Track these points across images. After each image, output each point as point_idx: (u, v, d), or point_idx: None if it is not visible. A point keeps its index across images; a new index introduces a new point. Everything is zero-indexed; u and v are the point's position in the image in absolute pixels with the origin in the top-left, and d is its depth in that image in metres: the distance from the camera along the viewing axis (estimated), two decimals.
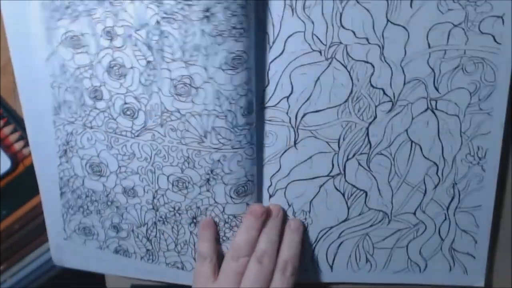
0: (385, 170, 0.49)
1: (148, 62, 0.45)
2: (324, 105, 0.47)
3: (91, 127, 0.49)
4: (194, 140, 0.46)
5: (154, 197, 0.50)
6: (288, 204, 0.50)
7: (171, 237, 0.51)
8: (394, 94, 0.47)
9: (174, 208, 0.50)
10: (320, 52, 0.46)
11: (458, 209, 0.50)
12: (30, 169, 0.55)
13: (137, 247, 0.53)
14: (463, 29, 0.45)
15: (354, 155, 0.48)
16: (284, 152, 0.49)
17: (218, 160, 0.47)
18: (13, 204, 0.60)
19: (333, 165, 0.49)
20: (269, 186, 0.50)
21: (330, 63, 0.46)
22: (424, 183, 0.49)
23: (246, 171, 0.47)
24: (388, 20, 0.45)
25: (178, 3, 0.42)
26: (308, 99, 0.47)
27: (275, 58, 0.46)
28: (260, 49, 0.46)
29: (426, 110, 0.47)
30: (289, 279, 0.48)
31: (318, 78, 0.47)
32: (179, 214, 0.50)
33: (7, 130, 0.58)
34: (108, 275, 0.58)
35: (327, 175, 0.49)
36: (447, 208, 0.50)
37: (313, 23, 0.45)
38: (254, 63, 0.45)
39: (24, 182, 0.59)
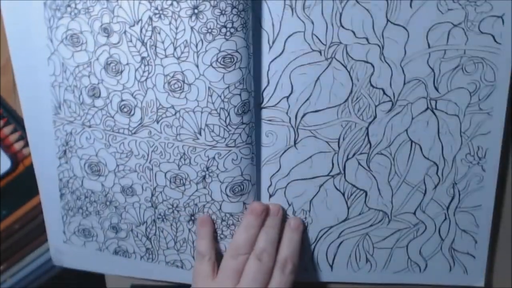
0: (385, 170, 0.49)
1: (143, 58, 0.45)
2: (324, 105, 0.47)
3: (90, 126, 0.49)
4: (189, 137, 0.47)
5: (152, 195, 0.50)
6: (288, 203, 0.50)
7: (170, 234, 0.52)
8: (394, 94, 0.47)
9: (172, 205, 0.50)
10: (320, 52, 0.46)
11: (458, 209, 0.50)
12: (30, 169, 0.55)
13: (137, 247, 0.53)
14: (463, 29, 0.45)
15: (354, 154, 0.48)
16: (284, 152, 0.49)
17: (213, 158, 0.47)
18: (13, 204, 0.60)
19: (333, 164, 0.49)
20: (269, 186, 0.50)
21: (330, 63, 0.46)
22: (424, 183, 0.49)
23: (242, 171, 0.47)
24: (388, 20, 0.45)
25: None
26: (308, 99, 0.47)
27: (275, 58, 0.46)
28: (259, 49, 0.46)
29: (426, 110, 0.47)
30: (288, 277, 0.48)
31: (318, 78, 0.47)
32: (178, 211, 0.50)
33: (7, 130, 0.58)
34: (108, 275, 0.58)
35: (327, 175, 0.49)
36: (447, 208, 0.50)
37: (313, 23, 0.45)
38: (250, 63, 0.45)
39: (24, 182, 0.59)
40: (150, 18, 0.44)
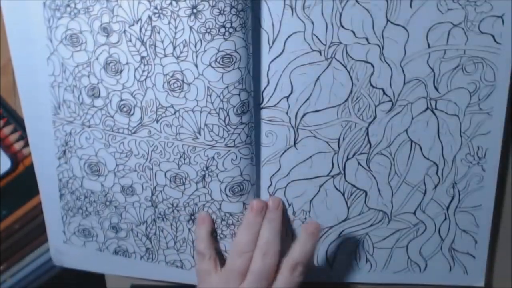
0: (385, 170, 0.49)
1: (142, 57, 0.45)
2: (324, 105, 0.47)
3: (89, 126, 0.49)
4: (189, 136, 0.47)
5: (152, 194, 0.50)
6: (288, 203, 0.50)
7: (170, 234, 0.52)
8: (394, 94, 0.47)
9: (172, 204, 0.50)
10: (320, 52, 0.46)
11: (458, 209, 0.50)
12: (30, 169, 0.55)
13: (137, 246, 0.53)
14: (463, 29, 0.45)
15: (354, 155, 0.48)
16: (284, 152, 0.49)
17: (213, 157, 0.47)
18: (13, 204, 0.60)
19: (333, 164, 0.49)
20: (269, 186, 0.50)
21: (330, 63, 0.46)
22: (424, 183, 0.49)
23: (242, 171, 0.47)
24: (388, 20, 0.45)
25: None
26: (308, 99, 0.47)
27: (275, 58, 0.46)
28: (259, 49, 0.46)
29: (426, 110, 0.47)
30: (296, 279, 0.47)
31: (318, 78, 0.47)
32: (178, 211, 0.50)
33: (7, 130, 0.58)
34: (108, 275, 0.58)
35: (327, 175, 0.49)
36: (447, 208, 0.50)
37: (312, 23, 0.45)
38: (249, 63, 0.45)
39: (24, 182, 0.59)
40: (150, 17, 0.44)
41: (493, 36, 0.45)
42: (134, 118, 0.48)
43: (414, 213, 0.50)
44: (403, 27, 0.45)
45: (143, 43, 0.45)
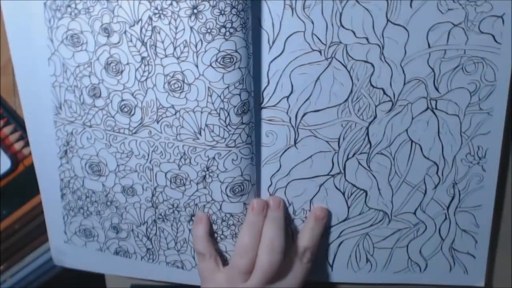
0: (385, 170, 0.49)
1: (143, 58, 0.45)
2: (324, 105, 0.47)
3: (90, 126, 0.49)
4: (189, 137, 0.47)
5: (153, 195, 0.50)
6: (289, 203, 0.50)
7: (171, 234, 0.52)
8: (394, 93, 0.47)
9: (173, 205, 0.50)
10: (320, 52, 0.46)
11: (458, 209, 0.50)
12: (30, 169, 0.55)
13: (137, 247, 0.53)
14: (463, 28, 0.45)
15: (354, 154, 0.48)
16: (284, 151, 0.49)
17: (214, 158, 0.47)
18: (13, 204, 0.60)
19: (333, 164, 0.49)
20: (269, 186, 0.50)
21: (330, 63, 0.46)
22: (424, 182, 0.49)
23: (242, 171, 0.47)
24: (388, 20, 0.45)
25: None
26: (308, 98, 0.47)
27: (275, 58, 0.46)
28: (259, 49, 0.46)
29: (426, 110, 0.47)
30: (305, 265, 0.48)
31: (318, 78, 0.47)
32: (178, 211, 0.50)
33: (7, 130, 0.58)
34: (108, 275, 0.58)
35: (327, 174, 0.49)
36: (447, 208, 0.50)
37: (313, 23, 0.45)
38: (250, 63, 0.45)
39: (24, 182, 0.59)
40: (150, 18, 0.44)
41: (493, 36, 0.45)
42: (135, 118, 0.48)
43: (414, 213, 0.50)
44: (403, 27, 0.45)
45: (143, 43, 0.45)
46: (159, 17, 0.44)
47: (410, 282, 0.52)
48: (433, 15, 0.44)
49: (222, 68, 0.44)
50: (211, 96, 0.45)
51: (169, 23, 0.44)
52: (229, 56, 0.44)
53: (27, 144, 0.57)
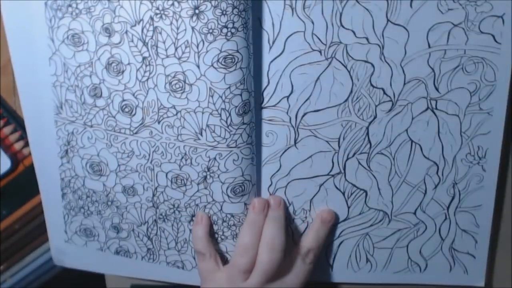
0: (385, 170, 0.49)
1: (144, 58, 0.45)
2: (324, 105, 0.47)
3: (91, 126, 0.49)
4: (190, 137, 0.47)
5: (153, 195, 0.50)
6: (289, 202, 0.50)
7: (171, 235, 0.52)
8: (394, 93, 0.47)
9: (173, 205, 0.50)
10: (320, 51, 0.46)
11: (458, 209, 0.50)
12: (30, 169, 0.55)
13: (138, 247, 0.53)
14: (463, 29, 0.45)
15: (354, 154, 0.48)
16: (285, 151, 0.49)
17: (214, 158, 0.47)
18: (13, 204, 0.60)
19: (333, 164, 0.49)
20: (270, 185, 0.50)
21: (330, 63, 0.46)
22: (424, 182, 0.49)
23: (243, 171, 0.47)
24: (388, 20, 0.45)
25: None
26: (308, 98, 0.47)
27: (275, 58, 0.46)
28: (260, 49, 0.46)
29: (426, 110, 0.47)
30: (307, 266, 0.49)
31: (318, 78, 0.47)
32: (179, 211, 0.50)
33: (7, 130, 0.58)
34: (108, 275, 0.58)
35: (327, 174, 0.49)
36: (447, 208, 0.50)
37: (313, 23, 0.45)
38: (251, 63, 0.45)
39: (24, 182, 0.59)
40: (151, 18, 0.44)
41: (493, 36, 0.45)
42: (136, 118, 0.48)
43: (415, 213, 0.50)
44: (404, 27, 0.45)
45: (145, 43, 0.45)
46: (161, 17, 0.44)
47: (410, 282, 0.52)
48: (433, 15, 0.44)
49: (224, 68, 0.44)
50: (212, 96, 0.45)
51: (171, 23, 0.44)
52: (230, 56, 0.44)
53: (27, 144, 0.57)
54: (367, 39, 0.45)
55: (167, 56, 0.45)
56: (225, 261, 0.50)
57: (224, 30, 0.43)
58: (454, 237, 0.51)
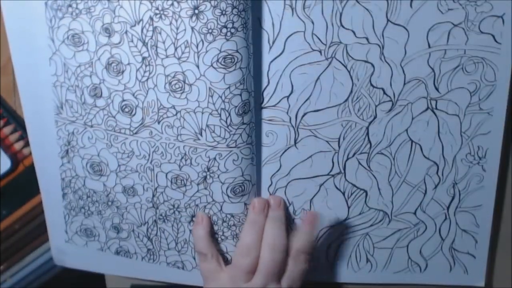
0: (385, 170, 0.49)
1: (144, 58, 0.45)
2: (324, 105, 0.47)
3: (92, 126, 0.49)
4: (190, 137, 0.47)
5: (153, 195, 0.50)
6: (289, 202, 0.50)
7: (171, 235, 0.52)
8: (394, 93, 0.47)
9: (173, 205, 0.50)
10: (320, 51, 0.46)
11: (459, 209, 0.50)
12: (30, 169, 0.55)
13: (138, 247, 0.53)
14: (463, 28, 0.45)
15: (354, 154, 0.48)
16: (285, 151, 0.49)
17: (214, 158, 0.47)
18: (13, 204, 0.60)
19: (333, 164, 0.49)
20: (270, 185, 0.50)
21: (330, 63, 0.46)
22: (425, 182, 0.49)
23: (243, 171, 0.47)
24: (388, 20, 0.45)
25: None
26: (308, 98, 0.47)
27: (275, 58, 0.46)
28: (259, 49, 0.46)
29: (426, 109, 0.47)
30: (301, 266, 0.48)
31: (318, 78, 0.47)
32: (179, 212, 0.50)
33: (7, 130, 0.58)
34: (108, 275, 0.58)
35: (327, 174, 0.49)
36: (448, 208, 0.50)
37: (313, 23, 0.45)
38: (250, 63, 0.45)
39: (24, 182, 0.59)
40: (151, 18, 0.44)
41: (493, 36, 0.45)
42: (136, 118, 0.48)
43: (415, 213, 0.50)
44: (404, 27, 0.45)
45: (144, 43, 0.45)
46: (160, 17, 0.44)
47: (410, 282, 0.52)
48: (433, 15, 0.44)
49: (223, 68, 0.44)
50: (212, 96, 0.45)
51: (170, 23, 0.44)
52: (230, 56, 0.44)
53: (27, 144, 0.57)
54: (367, 39, 0.45)
55: (167, 56, 0.45)
56: (226, 261, 0.50)
57: (224, 30, 0.43)
58: (454, 237, 0.51)
